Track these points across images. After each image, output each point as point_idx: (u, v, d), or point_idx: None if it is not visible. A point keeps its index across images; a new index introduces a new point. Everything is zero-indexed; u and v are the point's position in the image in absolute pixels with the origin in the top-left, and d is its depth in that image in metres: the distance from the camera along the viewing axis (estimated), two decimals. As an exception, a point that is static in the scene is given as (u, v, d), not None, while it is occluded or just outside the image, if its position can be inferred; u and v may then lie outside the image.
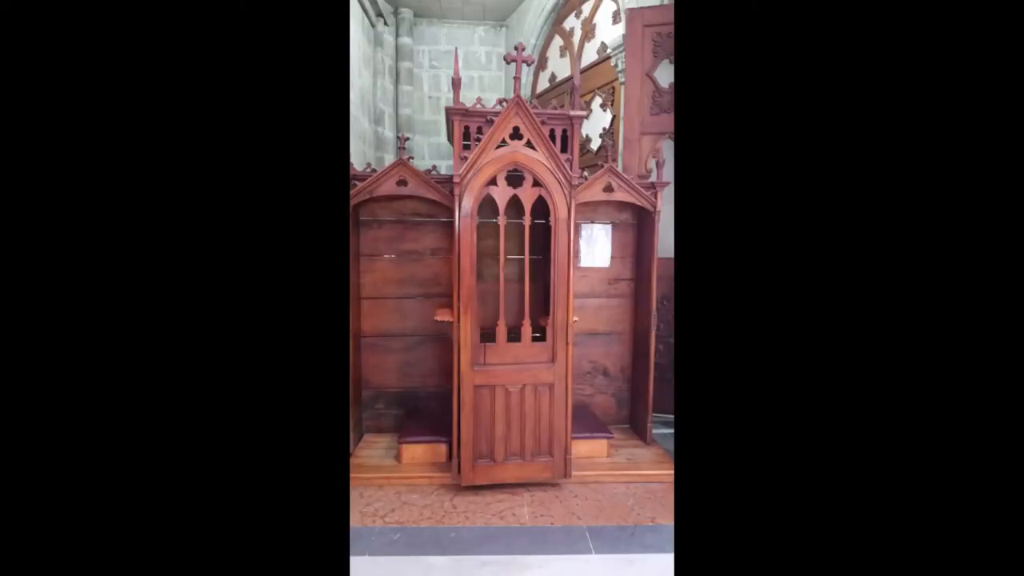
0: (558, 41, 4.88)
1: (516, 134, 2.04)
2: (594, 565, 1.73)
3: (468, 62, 5.75)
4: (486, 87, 5.74)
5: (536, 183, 2.07)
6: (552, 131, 2.11)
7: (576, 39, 4.59)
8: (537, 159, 2.05)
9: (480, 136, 2.07)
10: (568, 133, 2.11)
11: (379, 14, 5.06)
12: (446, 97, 5.69)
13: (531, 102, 5.04)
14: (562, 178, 2.06)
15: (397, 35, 5.44)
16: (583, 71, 4.35)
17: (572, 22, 4.68)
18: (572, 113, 2.07)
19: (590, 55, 4.33)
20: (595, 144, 4.20)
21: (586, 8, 4.47)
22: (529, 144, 2.05)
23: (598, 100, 4.16)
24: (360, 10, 4.71)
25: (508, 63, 2.10)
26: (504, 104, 2.03)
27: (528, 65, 2.10)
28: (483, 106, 2.07)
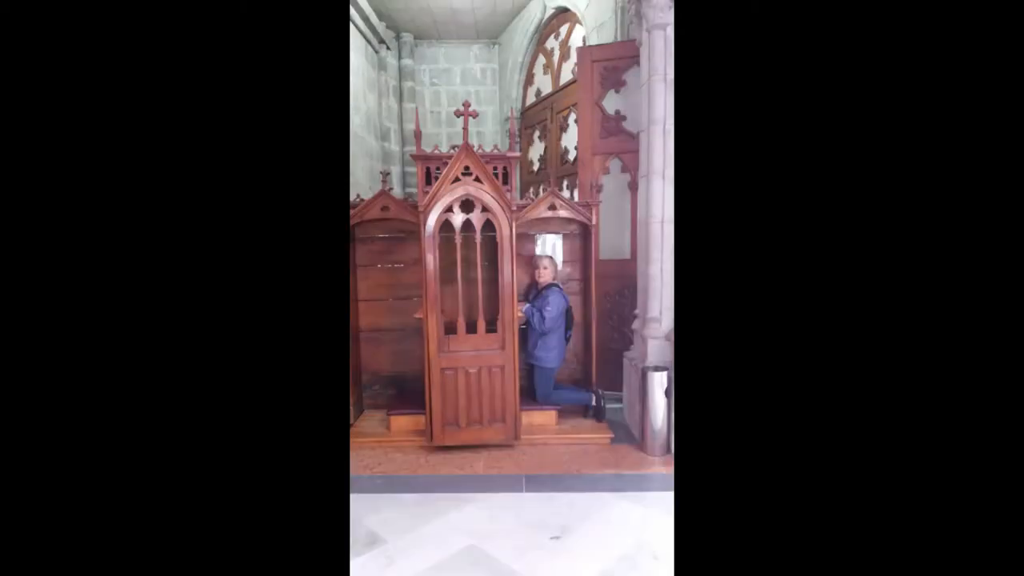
0: (542, 59, 5.37)
1: (467, 171, 2.60)
2: (525, 499, 2.31)
3: (465, 78, 6.32)
4: (482, 100, 6.28)
5: (484, 208, 2.64)
6: (495, 168, 2.66)
7: (555, 59, 5.08)
8: (484, 190, 2.61)
9: (439, 173, 2.64)
10: (508, 169, 2.66)
11: (381, 41, 5.65)
12: (446, 111, 6.28)
13: (520, 114, 5.58)
14: (504, 205, 2.62)
15: (400, 57, 6.04)
16: (562, 88, 4.84)
17: (552, 43, 5.17)
18: (509, 155, 2.62)
19: (568, 73, 4.81)
20: (571, 156, 4.70)
21: (563, 30, 4.96)
22: (477, 179, 2.61)
23: (573, 116, 4.65)
24: (363, 40, 5.30)
25: (458, 116, 2.65)
26: (456, 149, 2.60)
27: (474, 118, 2.64)
28: (440, 151, 2.64)
